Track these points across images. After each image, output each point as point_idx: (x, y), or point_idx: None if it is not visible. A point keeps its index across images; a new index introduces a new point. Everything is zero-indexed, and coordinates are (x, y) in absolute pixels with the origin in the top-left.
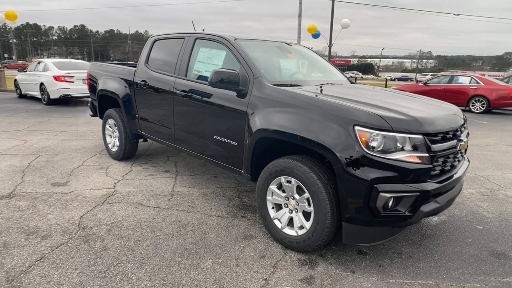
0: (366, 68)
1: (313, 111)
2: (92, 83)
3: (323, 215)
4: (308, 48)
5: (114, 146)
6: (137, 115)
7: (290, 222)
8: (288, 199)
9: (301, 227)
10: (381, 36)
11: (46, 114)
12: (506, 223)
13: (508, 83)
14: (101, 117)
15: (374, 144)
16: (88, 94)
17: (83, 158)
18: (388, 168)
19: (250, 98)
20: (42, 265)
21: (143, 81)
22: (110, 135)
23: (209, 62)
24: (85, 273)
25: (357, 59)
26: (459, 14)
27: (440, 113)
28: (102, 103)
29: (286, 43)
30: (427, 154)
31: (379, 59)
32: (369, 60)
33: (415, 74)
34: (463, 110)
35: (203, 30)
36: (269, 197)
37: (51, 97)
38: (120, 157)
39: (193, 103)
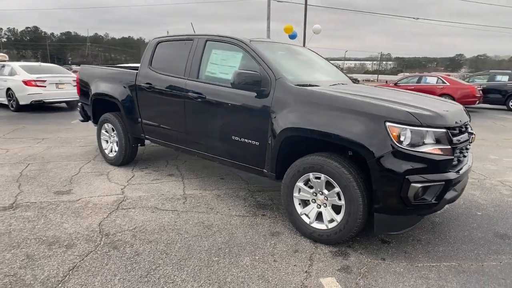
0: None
1: (344, 110)
2: (82, 87)
3: (355, 207)
4: (311, 50)
5: (111, 152)
6: (139, 119)
7: (319, 217)
8: (316, 195)
9: (331, 221)
10: (342, 39)
11: (19, 121)
12: (500, 208)
13: (469, 82)
14: (95, 122)
15: (404, 138)
16: (64, 99)
17: (78, 165)
18: (418, 160)
19: (273, 99)
20: (78, 274)
21: (147, 83)
22: (107, 140)
23: (223, 63)
24: (126, 278)
25: None
26: (418, 18)
27: (453, 109)
28: (96, 107)
29: (293, 45)
30: (449, 146)
31: (343, 61)
32: (332, 62)
33: (376, 75)
34: None
35: (168, 33)
36: (296, 194)
37: (21, 103)
38: (119, 162)
39: (208, 104)
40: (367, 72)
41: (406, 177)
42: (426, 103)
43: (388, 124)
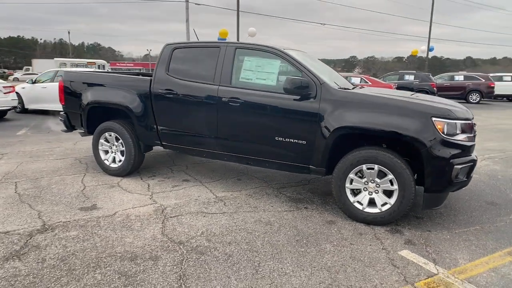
0: None
1: (394, 109)
2: (69, 95)
3: (409, 190)
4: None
5: (114, 162)
6: (154, 126)
7: (370, 203)
8: (367, 183)
9: (384, 204)
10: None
11: None
12: (486, 182)
13: (385, 81)
14: (90, 132)
15: (446, 130)
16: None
17: (77, 179)
18: (456, 147)
19: (320, 101)
20: (191, 282)
21: (167, 90)
22: (107, 151)
23: (259, 70)
24: (241, 278)
25: None
26: (325, 24)
27: (463, 106)
28: (92, 116)
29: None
30: (472, 134)
31: None
32: None
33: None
34: None
35: (69, 33)
36: (348, 185)
37: None
38: (126, 172)
39: (247, 108)
40: None
41: (451, 161)
42: (445, 102)
43: (434, 119)
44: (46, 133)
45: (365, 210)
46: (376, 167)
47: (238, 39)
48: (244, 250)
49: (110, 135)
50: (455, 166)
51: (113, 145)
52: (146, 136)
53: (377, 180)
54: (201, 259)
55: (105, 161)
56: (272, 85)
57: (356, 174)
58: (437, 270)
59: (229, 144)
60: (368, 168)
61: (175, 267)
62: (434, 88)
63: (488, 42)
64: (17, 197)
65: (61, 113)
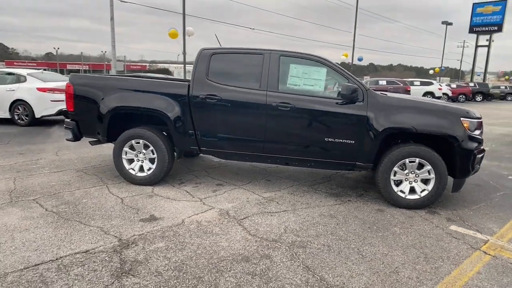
0: (162, 72)
1: (430, 111)
2: (81, 100)
3: (444, 178)
4: None
5: (141, 171)
6: (192, 131)
7: (411, 190)
8: (408, 174)
9: (423, 191)
10: (166, 42)
11: None
12: None
13: None
14: (111, 140)
15: (470, 127)
16: None
17: (103, 191)
18: (476, 141)
19: (368, 105)
20: (319, 271)
21: (209, 95)
22: (132, 159)
23: (305, 77)
24: (355, 262)
25: (148, 64)
26: (253, 29)
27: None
28: (114, 123)
29: None
30: (481, 130)
31: (174, 64)
32: (160, 65)
33: None
34: None
35: None
36: (392, 177)
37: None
38: (157, 180)
39: (297, 113)
40: None
41: (474, 151)
42: (457, 105)
43: (462, 119)
44: (5, 144)
45: (407, 197)
46: (417, 160)
47: (184, 40)
48: (336, 240)
49: (138, 143)
50: (477, 156)
51: (140, 153)
52: (183, 142)
53: (417, 171)
54: (308, 251)
55: (131, 171)
56: (319, 91)
57: (399, 167)
58: (486, 237)
59: (276, 147)
60: (410, 161)
61: (293, 261)
62: None
63: (386, 50)
64: (55, 216)
65: (67, 120)
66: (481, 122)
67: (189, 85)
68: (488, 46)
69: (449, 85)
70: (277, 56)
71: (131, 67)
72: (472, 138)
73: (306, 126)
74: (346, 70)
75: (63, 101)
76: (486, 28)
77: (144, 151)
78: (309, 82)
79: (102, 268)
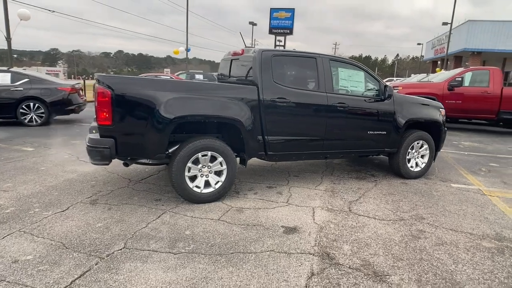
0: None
1: (428, 105)
2: (125, 109)
3: (433, 153)
4: None
5: (206, 187)
6: (260, 136)
7: (416, 165)
8: (414, 153)
9: (421, 164)
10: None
11: None
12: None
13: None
14: (169, 156)
15: (443, 115)
16: None
17: (175, 218)
18: (445, 125)
19: (394, 103)
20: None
21: (280, 98)
22: (195, 175)
23: (350, 79)
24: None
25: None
26: (54, 11)
27: None
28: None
29: None
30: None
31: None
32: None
33: None
34: None
35: None
36: (407, 156)
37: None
38: (225, 194)
39: (350, 112)
40: None
41: (445, 131)
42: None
43: (441, 110)
44: None
45: (414, 169)
46: (422, 142)
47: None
48: (422, 206)
49: (205, 155)
50: (446, 135)
51: (205, 167)
52: (253, 149)
53: (420, 150)
54: (428, 220)
55: (195, 189)
56: (361, 91)
57: (411, 148)
58: (475, 187)
59: (334, 143)
60: (417, 143)
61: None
62: None
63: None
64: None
65: (94, 137)
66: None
67: (257, 88)
68: (284, 46)
69: None
70: (327, 60)
71: None
72: (444, 122)
73: (357, 122)
74: (374, 74)
75: None
76: (282, 31)
77: (210, 164)
78: (353, 84)
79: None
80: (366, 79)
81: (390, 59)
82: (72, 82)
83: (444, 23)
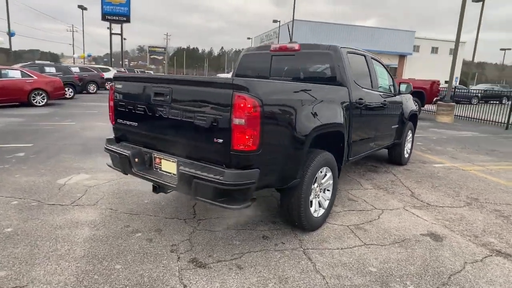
0: None
1: (412, 99)
2: (273, 127)
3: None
4: None
5: (319, 208)
6: (347, 142)
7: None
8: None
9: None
10: None
11: None
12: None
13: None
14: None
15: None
16: None
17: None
18: None
19: (401, 97)
20: None
21: (360, 99)
22: (316, 197)
23: (381, 76)
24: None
25: None
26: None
27: None
28: None
29: None
30: None
31: None
32: None
33: None
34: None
35: None
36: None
37: None
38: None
39: (387, 108)
40: None
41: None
42: None
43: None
44: None
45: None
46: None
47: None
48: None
49: (321, 172)
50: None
51: (317, 186)
52: (345, 156)
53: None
54: (482, 200)
55: (314, 213)
56: (387, 88)
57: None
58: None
59: (375, 140)
60: (411, 132)
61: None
62: (78, 81)
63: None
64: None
65: (241, 172)
66: None
67: (347, 88)
68: (121, 34)
69: (121, 71)
70: (370, 57)
71: None
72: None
73: (389, 118)
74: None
75: None
76: (117, 18)
77: (322, 181)
78: (383, 82)
79: None
80: (387, 77)
81: (216, 52)
82: None
83: (275, 21)
